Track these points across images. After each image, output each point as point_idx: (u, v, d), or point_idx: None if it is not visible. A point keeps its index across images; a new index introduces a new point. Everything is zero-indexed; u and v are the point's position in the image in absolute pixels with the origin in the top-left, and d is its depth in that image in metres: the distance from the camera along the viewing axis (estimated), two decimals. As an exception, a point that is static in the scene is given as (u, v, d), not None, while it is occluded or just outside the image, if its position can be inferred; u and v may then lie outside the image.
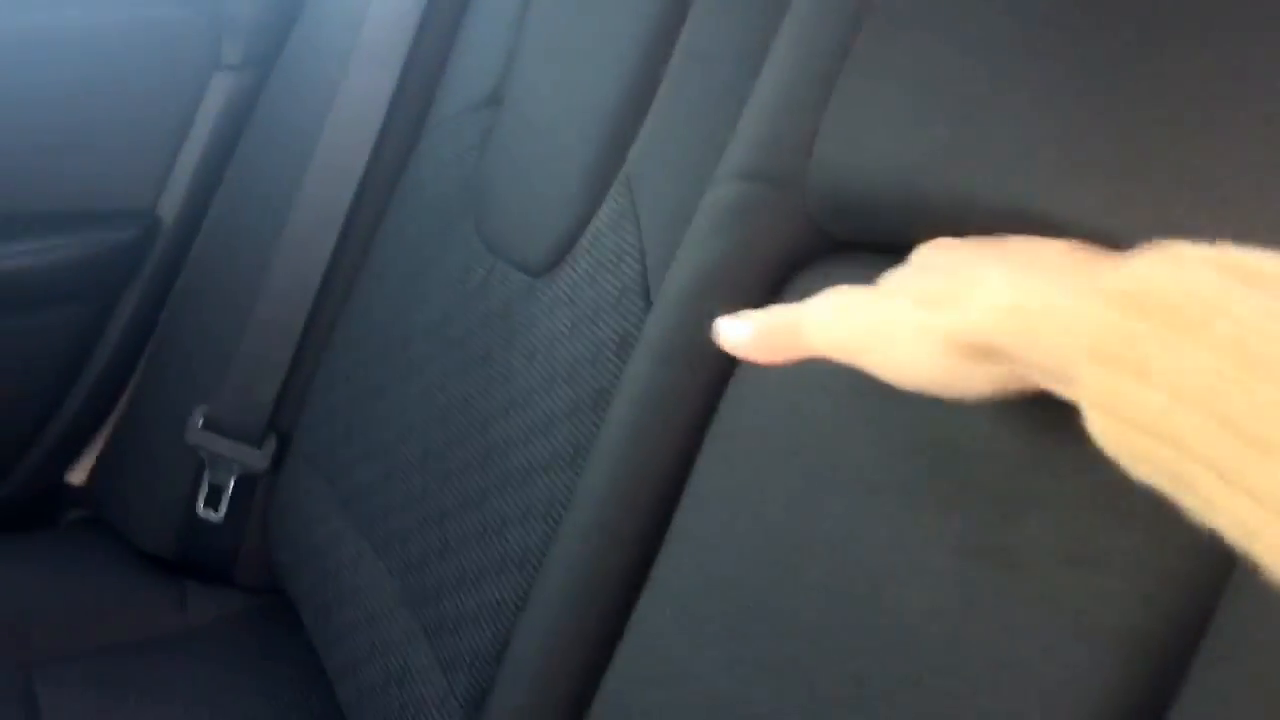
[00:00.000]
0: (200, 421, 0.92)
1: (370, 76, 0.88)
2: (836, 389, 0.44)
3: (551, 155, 0.72)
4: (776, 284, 0.49)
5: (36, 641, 0.88)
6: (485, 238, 0.76)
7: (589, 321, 0.63)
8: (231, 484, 0.92)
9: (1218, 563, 0.33)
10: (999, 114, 0.39)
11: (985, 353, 0.33)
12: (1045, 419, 0.36)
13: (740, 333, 0.42)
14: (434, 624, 0.69)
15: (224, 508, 0.92)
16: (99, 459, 1.04)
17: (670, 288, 0.53)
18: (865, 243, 0.47)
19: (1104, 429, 0.29)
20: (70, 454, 1.04)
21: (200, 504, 0.93)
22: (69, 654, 0.87)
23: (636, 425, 0.52)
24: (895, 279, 0.38)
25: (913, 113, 0.43)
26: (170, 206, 1.00)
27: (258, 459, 0.91)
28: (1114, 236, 0.35)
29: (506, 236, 0.74)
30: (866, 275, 0.39)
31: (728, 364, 0.50)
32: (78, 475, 1.05)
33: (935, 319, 0.34)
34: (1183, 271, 0.28)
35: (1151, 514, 0.30)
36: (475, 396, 0.71)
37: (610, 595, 0.53)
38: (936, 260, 0.38)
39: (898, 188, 0.43)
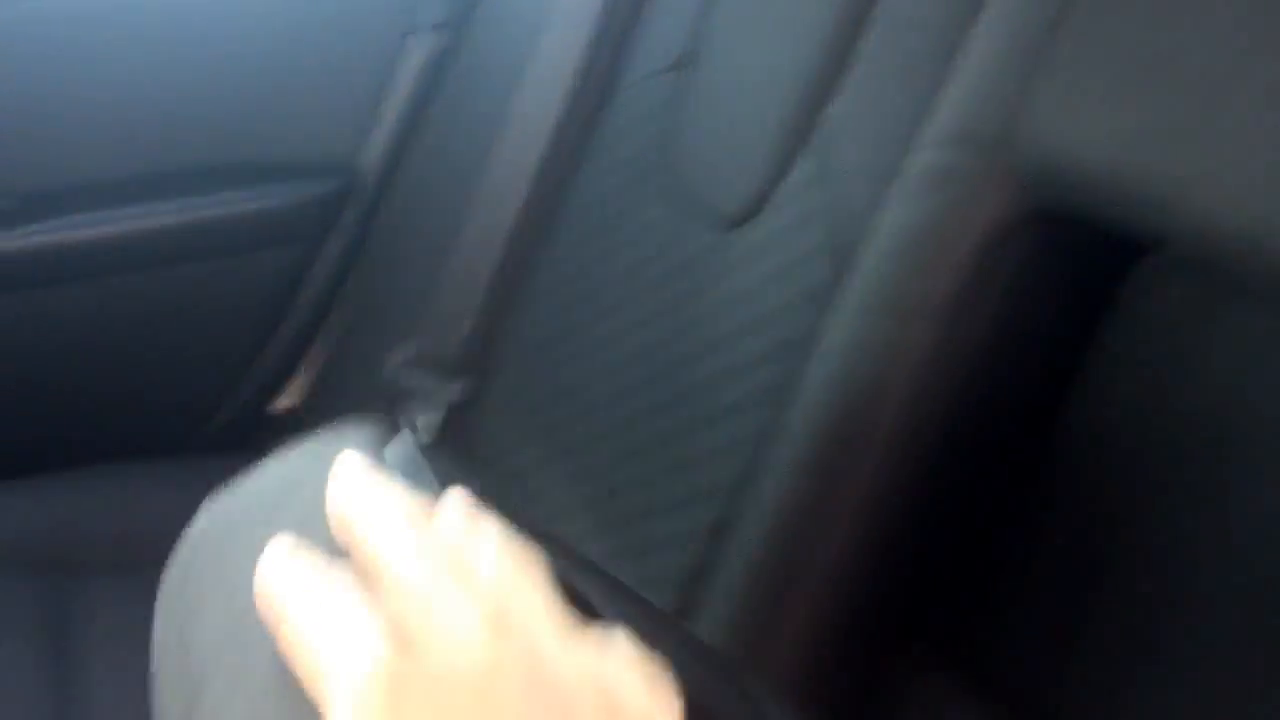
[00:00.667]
0: (400, 358, 1.00)
1: (563, 37, 0.94)
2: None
3: (745, 117, 0.76)
4: (981, 249, 0.53)
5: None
6: (675, 194, 0.81)
7: (780, 276, 0.68)
8: (430, 416, 1.00)
9: None
10: (1227, 101, 0.42)
11: None
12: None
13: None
14: (621, 550, 0.75)
15: (423, 437, 1.00)
16: (305, 392, 1.14)
17: (876, 242, 0.57)
18: (1070, 213, 0.50)
19: None
20: (276, 386, 1.14)
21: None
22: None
23: (844, 373, 0.57)
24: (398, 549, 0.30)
25: (1134, 87, 0.46)
26: (370, 160, 1.08)
27: (454, 393, 0.99)
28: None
29: (697, 193, 0.79)
30: (1069, 244, 0.43)
31: (938, 327, 0.54)
32: (283, 405, 1.15)
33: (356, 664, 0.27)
34: None
35: None
36: (666, 343, 0.77)
37: (805, 526, 0.58)
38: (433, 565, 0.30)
39: (1110, 162, 0.46)
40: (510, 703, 0.27)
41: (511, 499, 0.88)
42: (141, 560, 0.94)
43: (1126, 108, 0.46)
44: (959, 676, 0.58)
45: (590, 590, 0.35)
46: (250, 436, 1.14)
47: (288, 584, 0.31)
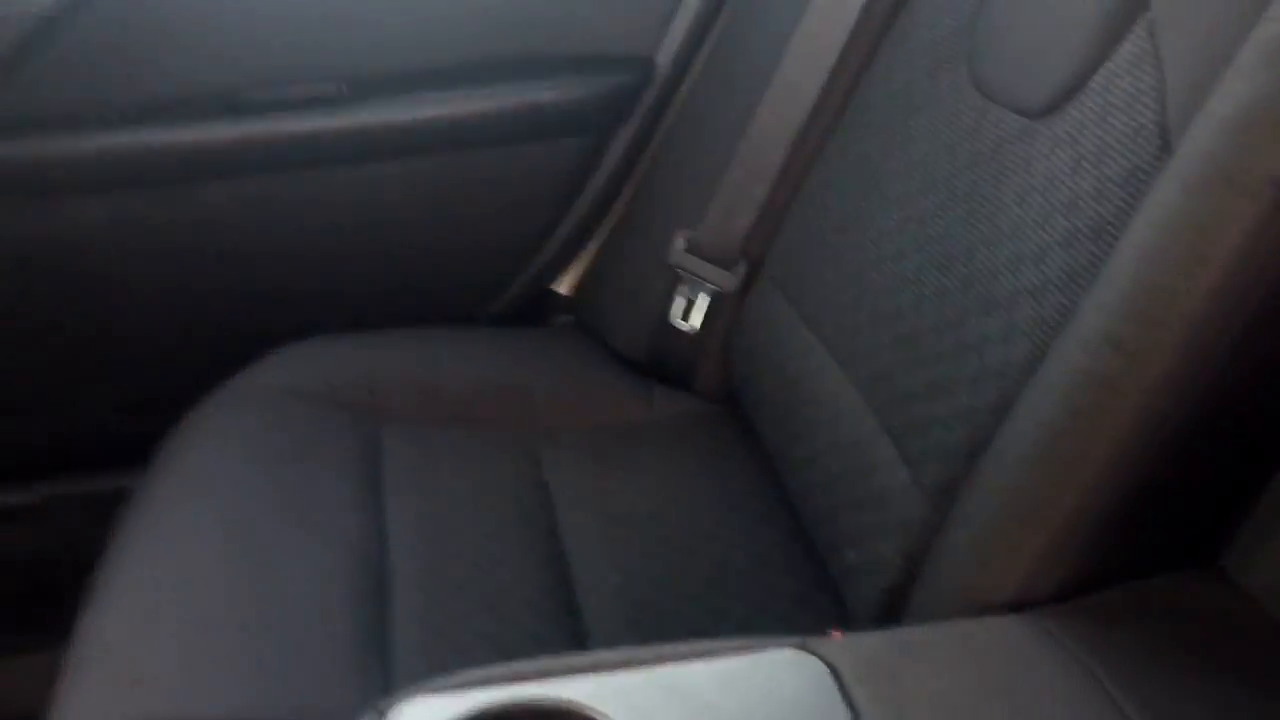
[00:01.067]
0: (682, 244, 1.05)
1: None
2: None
3: (1058, 3, 0.75)
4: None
5: (537, 419, 1.06)
6: (979, 82, 0.80)
7: (1094, 160, 0.67)
8: (701, 299, 1.04)
9: None
10: None
11: None
12: None
13: None
14: (900, 427, 0.77)
15: (694, 319, 1.05)
16: (586, 273, 1.21)
17: (1208, 119, 0.56)
18: None
19: None
20: (561, 267, 1.21)
21: (673, 315, 1.06)
22: (564, 426, 1.04)
23: (1159, 248, 0.56)
24: None
25: None
26: (667, 53, 1.12)
27: (729, 280, 1.03)
28: None
29: (1004, 81, 0.78)
30: None
31: (1273, 194, 0.52)
32: (565, 286, 1.23)
33: None
34: None
35: None
36: (958, 229, 0.77)
37: (1111, 406, 0.58)
38: None
39: None
40: None
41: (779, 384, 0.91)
42: (437, 413, 1.04)
43: None
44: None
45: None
46: (533, 313, 1.22)
47: None
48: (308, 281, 1.13)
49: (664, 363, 1.09)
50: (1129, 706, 0.54)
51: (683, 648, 0.57)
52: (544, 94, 1.12)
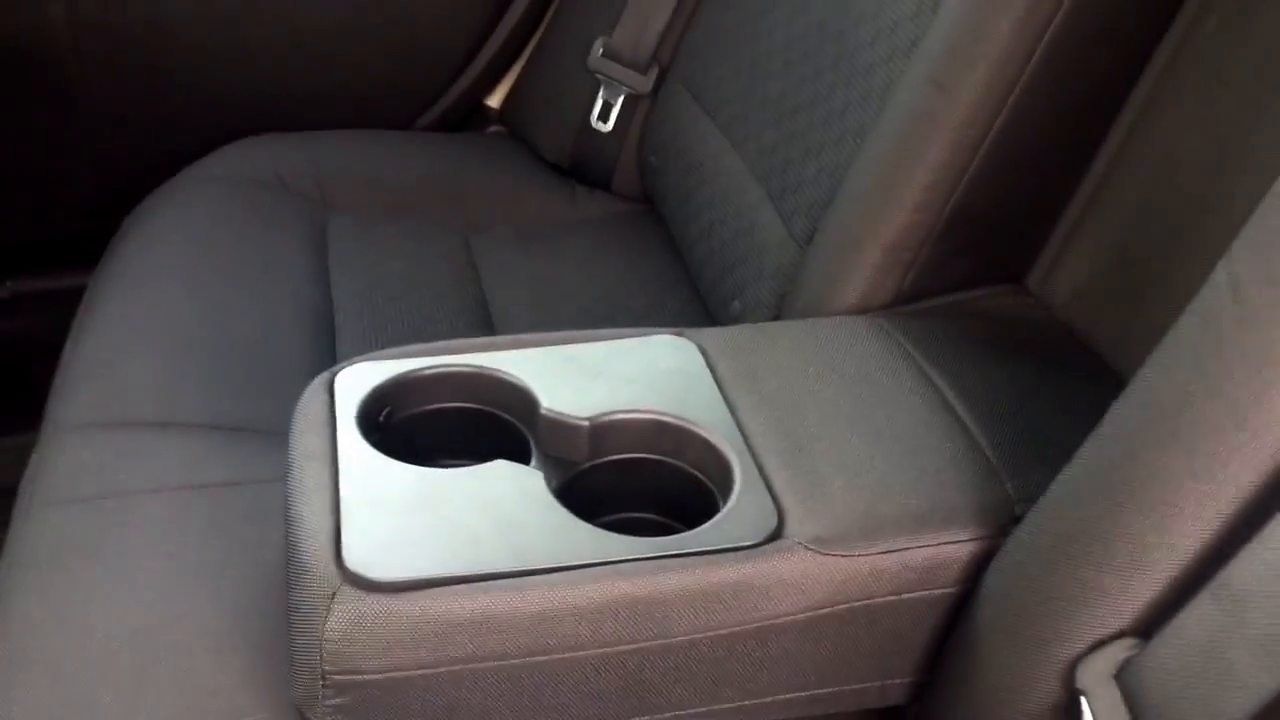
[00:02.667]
0: (600, 50, 1.15)
1: None
2: None
3: None
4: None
5: (469, 214, 1.16)
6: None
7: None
8: (619, 102, 1.15)
9: None
10: None
11: None
12: None
13: None
14: (778, 190, 0.89)
15: (612, 120, 1.15)
16: (514, 86, 1.30)
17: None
18: None
19: None
20: (493, 80, 1.30)
21: (594, 118, 1.16)
22: (493, 223, 1.15)
23: (981, 10, 0.68)
24: None
25: None
26: None
27: (642, 83, 1.13)
28: None
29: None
30: None
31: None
32: (495, 99, 1.32)
33: None
34: None
35: None
36: (831, 16, 0.88)
37: (932, 136, 0.71)
38: None
39: None
40: None
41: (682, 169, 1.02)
42: (378, 203, 1.15)
43: None
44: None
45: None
46: (467, 123, 1.32)
47: None
48: (256, 82, 1.21)
49: (586, 165, 1.20)
50: (934, 374, 0.68)
51: (584, 334, 0.69)
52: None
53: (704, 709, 0.58)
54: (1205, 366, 0.47)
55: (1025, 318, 0.76)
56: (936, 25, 0.72)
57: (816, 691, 0.59)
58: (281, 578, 0.58)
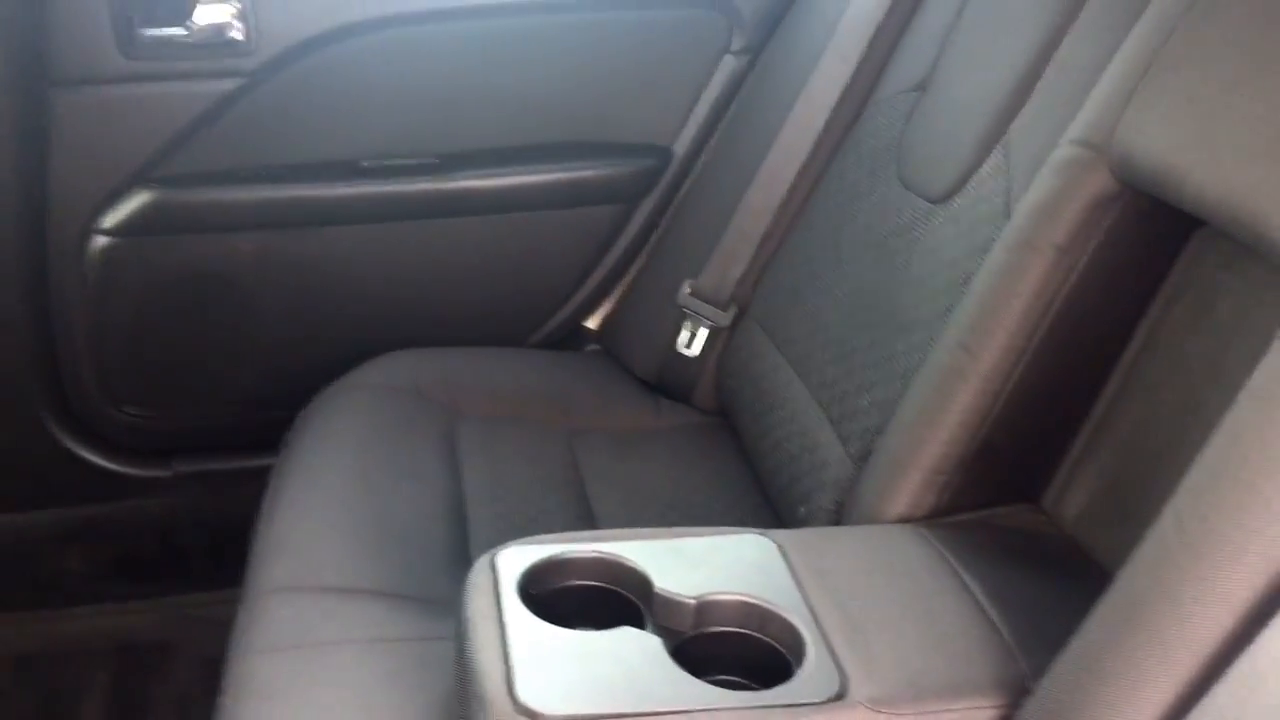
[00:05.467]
0: (688, 289, 1.38)
1: (836, 61, 1.28)
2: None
3: (957, 127, 1.08)
4: (1086, 210, 0.85)
5: (572, 420, 1.37)
6: (902, 178, 1.14)
7: (968, 232, 1.00)
8: (702, 333, 1.37)
9: None
10: (1230, 124, 0.71)
11: None
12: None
13: None
14: (837, 416, 1.09)
15: (696, 348, 1.37)
16: (611, 311, 1.54)
17: (1021, 208, 0.89)
18: (1144, 191, 0.80)
19: None
20: (593, 306, 1.54)
21: (680, 344, 1.38)
22: (591, 428, 1.36)
23: (991, 286, 0.89)
24: None
25: (1184, 113, 0.76)
26: (682, 144, 1.46)
27: (722, 318, 1.35)
28: None
29: (917, 177, 1.12)
30: (1146, 213, 0.73)
31: (1058, 256, 0.86)
32: (594, 321, 1.56)
33: None
34: None
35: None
36: (884, 278, 1.10)
37: (961, 387, 0.91)
38: None
39: (1165, 161, 0.76)
40: None
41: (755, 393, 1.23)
42: (497, 410, 1.36)
43: (1179, 125, 0.77)
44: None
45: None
46: (569, 341, 1.55)
47: None
48: (400, 306, 1.46)
49: (670, 382, 1.42)
50: (965, 575, 0.85)
51: (684, 530, 0.88)
52: (586, 171, 1.46)
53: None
54: (1160, 579, 0.65)
55: (1039, 532, 0.94)
56: (965, 299, 0.93)
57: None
58: (446, 715, 0.76)
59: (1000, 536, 0.92)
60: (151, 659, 1.43)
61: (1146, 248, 0.87)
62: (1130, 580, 0.67)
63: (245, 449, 1.48)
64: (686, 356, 1.38)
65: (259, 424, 1.44)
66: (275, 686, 0.86)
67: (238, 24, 1.31)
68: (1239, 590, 0.61)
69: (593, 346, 1.55)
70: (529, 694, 0.71)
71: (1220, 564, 0.62)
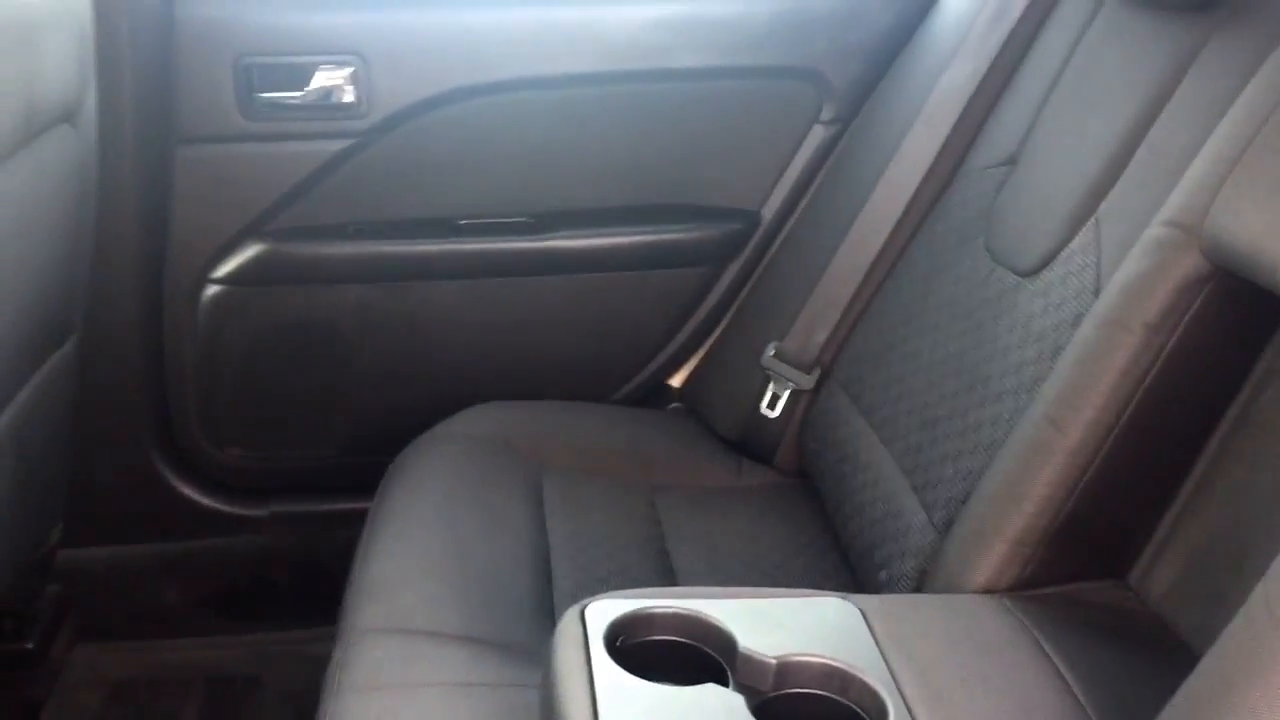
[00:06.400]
0: (772, 351, 1.40)
1: (926, 132, 1.31)
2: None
3: (1047, 201, 1.10)
4: (1176, 291, 0.86)
5: (653, 477, 1.40)
6: (991, 250, 1.16)
7: (1056, 307, 1.01)
8: (786, 394, 1.39)
9: None
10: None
11: None
12: None
13: None
14: (920, 483, 1.10)
15: (779, 409, 1.39)
16: (694, 370, 1.57)
17: (1112, 286, 0.90)
18: (1235, 274, 0.81)
19: None
20: (678, 365, 1.57)
21: (764, 406, 1.40)
22: (673, 484, 1.38)
23: (1081, 361, 0.90)
24: None
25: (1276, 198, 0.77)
26: (770, 209, 1.50)
27: (806, 381, 1.37)
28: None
29: (1005, 250, 1.13)
30: (1236, 296, 0.74)
31: (1148, 335, 0.87)
32: (678, 380, 1.59)
33: None
34: None
35: None
36: (970, 348, 1.11)
37: (1048, 461, 0.92)
38: None
39: (1257, 246, 0.77)
40: None
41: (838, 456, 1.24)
42: (581, 464, 1.39)
43: (1272, 209, 0.78)
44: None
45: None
46: (652, 398, 1.58)
47: None
48: (491, 359, 1.50)
49: (752, 442, 1.44)
50: (1048, 648, 0.86)
51: (769, 590, 0.90)
52: (675, 234, 1.51)
53: None
54: (1253, 661, 0.65)
55: (1125, 609, 0.94)
56: (1054, 372, 0.94)
57: None
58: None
59: (1084, 611, 0.92)
60: (240, 691, 1.47)
61: (1238, 330, 0.88)
62: (1220, 660, 0.67)
63: (338, 492, 1.53)
64: (769, 417, 1.40)
65: (352, 469, 1.49)
66: (368, 724, 0.90)
67: (349, 89, 1.38)
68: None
69: (675, 405, 1.58)
70: (616, 745, 0.73)
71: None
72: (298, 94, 1.37)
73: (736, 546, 1.27)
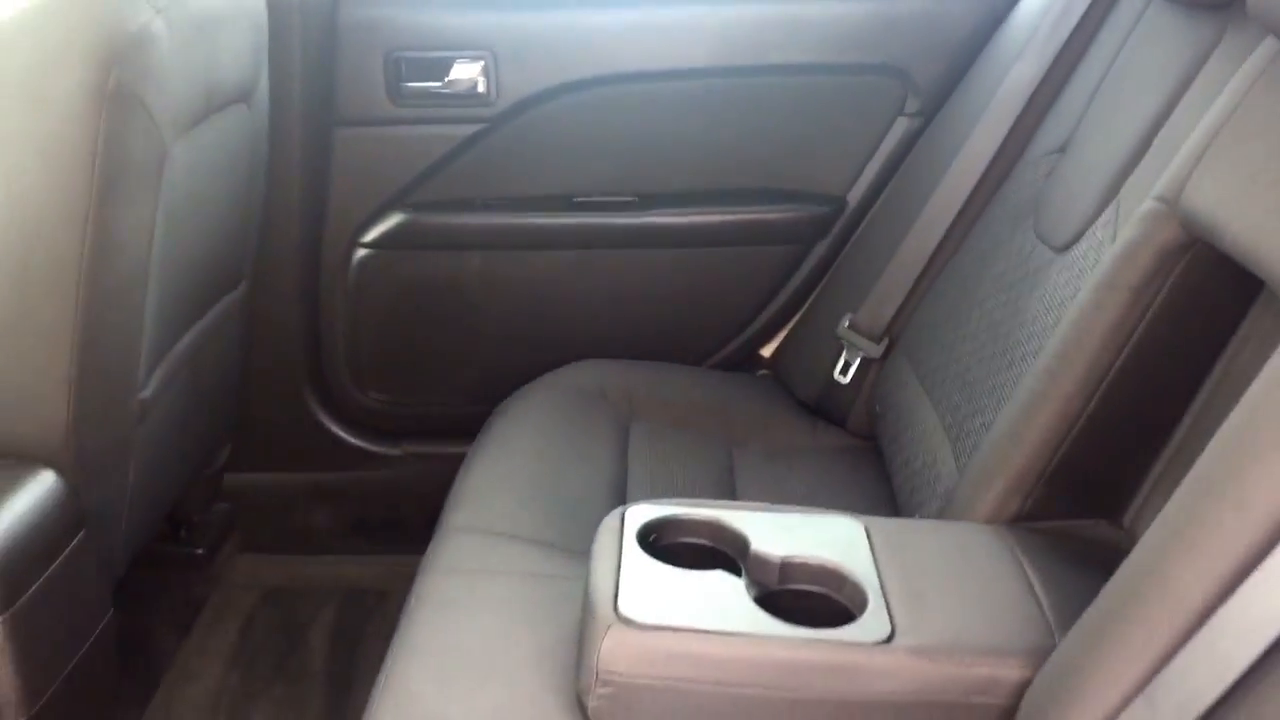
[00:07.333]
0: (847, 323, 1.53)
1: (992, 124, 1.42)
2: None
3: (1084, 183, 1.20)
4: (1159, 256, 0.96)
5: (733, 434, 1.54)
6: (1037, 231, 1.26)
7: (1075, 277, 1.12)
8: (857, 362, 1.51)
9: None
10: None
11: None
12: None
13: None
14: (955, 437, 1.21)
15: (850, 376, 1.52)
16: (782, 342, 1.71)
17: (1108, 253, 1.01)
18: (1212, 244, 0.91)
19: None
20: (768, 336, 1.72)
21: (837, 372, 1.53)
22: (751, 442, 1.53)
23: (1075, 320, 1.01)
24: None
25: (1253, 173, 0.87)
26: (855, 195, 1.63)
27: (875, 350, 1.50)
28: None
29: (1047, 229, 1.23)
30: (1214, 265, 0.84)
31: (1133, 297, 0.97)
32: (768, 350, 1.73)
33: None
34: None
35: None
36: (1007, 318, 1.22)
37: (1045, 408, 1.03)
38: None
39: (1232, 216, 0.87)
40: None
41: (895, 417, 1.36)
42: (669, 418, 1.55)
43: (1227, 183, 0.87)
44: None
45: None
46: (740, 367, 1.73)
47: None
48: (596, 322, 1.68)
49: (827, 406, 1.57)
50: (1027, 568, 0.97)
51: (785, 508, 1.04)
52: (767, 215, 1.65)
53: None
54: (1156, 558, 0.76)
55: (1111, 543, 1.04)
56: (1055, 330, 1.05)
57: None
58: (575, 631, 0.95)
59: (1071, 543, 1.02)
60: (371, 603, 1.70)
61: (1217, 295, 0.97)
62: (1134, 558, 0.78)
63: (461, 435, 1.72)
64: (841, 383, 1.53)
65: (473, 416, 1.69)
66: (448, 598, 1.08)
67: (483, 79, 1.58)
68: (1220, 562, 0.71)
69: (763, 372, 1.72)
70: (628, 607, 0.89)
71: (1196, 543, 0.73)
72: (438, 84, 1.59)
73: (798, 495, 1.41)
